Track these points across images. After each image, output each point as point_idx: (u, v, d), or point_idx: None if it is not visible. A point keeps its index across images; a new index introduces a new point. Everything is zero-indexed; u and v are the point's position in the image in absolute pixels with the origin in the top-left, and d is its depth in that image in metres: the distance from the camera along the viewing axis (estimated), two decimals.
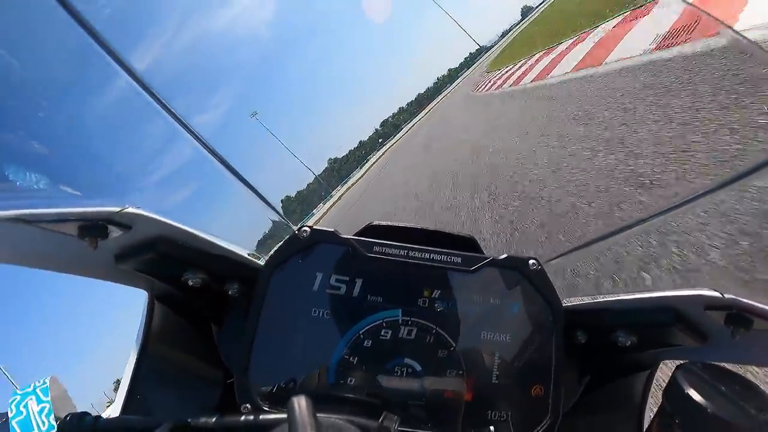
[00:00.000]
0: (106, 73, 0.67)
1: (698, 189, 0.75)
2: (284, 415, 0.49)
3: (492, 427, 0.78)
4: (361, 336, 0.81)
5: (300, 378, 0.80)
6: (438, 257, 0.84)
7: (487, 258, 0.85)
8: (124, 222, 0.70)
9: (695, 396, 0.58)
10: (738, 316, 0.67)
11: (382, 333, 0.82)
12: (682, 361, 0.66)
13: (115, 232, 0.70)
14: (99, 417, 0.64)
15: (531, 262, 0.84)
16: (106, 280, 0.83)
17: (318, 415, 0.49)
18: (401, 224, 0.95)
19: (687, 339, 0.75)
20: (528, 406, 0.80)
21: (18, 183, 0.65)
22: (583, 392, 0.88)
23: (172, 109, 0.77)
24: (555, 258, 0.93)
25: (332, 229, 0.85)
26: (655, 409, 0.69)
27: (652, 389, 0.88)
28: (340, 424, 0.52)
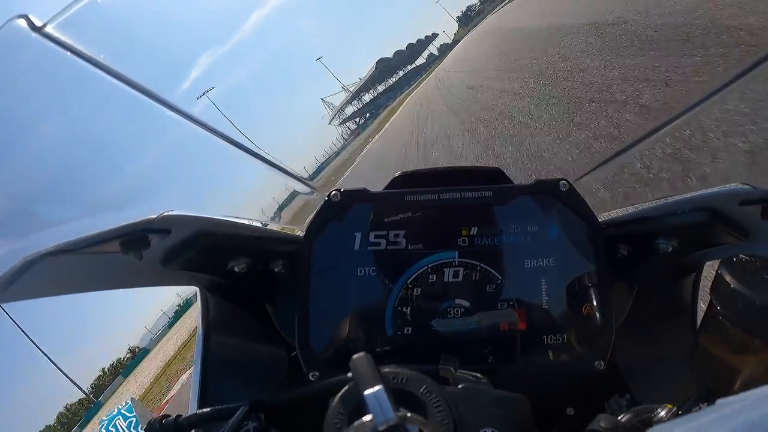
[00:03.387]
0: (110, 91, 0.67)
1: (717, 84, 0.71)
2: (350, 375, 0.51)
3: (550, 352, 0.80)
4: (409, 285, 0.83)
5: (359, 337, 0.83)
6: (469, 195, 0.84)
7: (517, 187, 0.85)
8: (163, 227, 0.72)
9: (742, 289, 0.58)
10: None
11: (429, 279, 0.83)
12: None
13: (156, 239, 0.72)
14: (179, 416, 0.68)
15: (561, 183, 0.83)
16: (157, 285, 0.86)
17: (380, 367, 0.51)
18: (428, 168, 0.95)
19: (728, 236, 0.74)
20: (582, 326, 0.81)
21: (51, 216, 0.68)
22: (634, 303, 0.88)
23: (179, 109, 0.77)
24: (584, 175, 0.91)
25: (362, 187, 0.86)
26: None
27: (702, 291, 0.87)
28: (403, 372, 0.54)
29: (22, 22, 0.59)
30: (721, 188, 0.71)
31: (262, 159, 0.91)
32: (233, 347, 0.91)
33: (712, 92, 0.73)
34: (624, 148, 0.86)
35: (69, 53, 0.58)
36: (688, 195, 0.75)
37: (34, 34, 0.59)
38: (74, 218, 0.71)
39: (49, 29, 0.54)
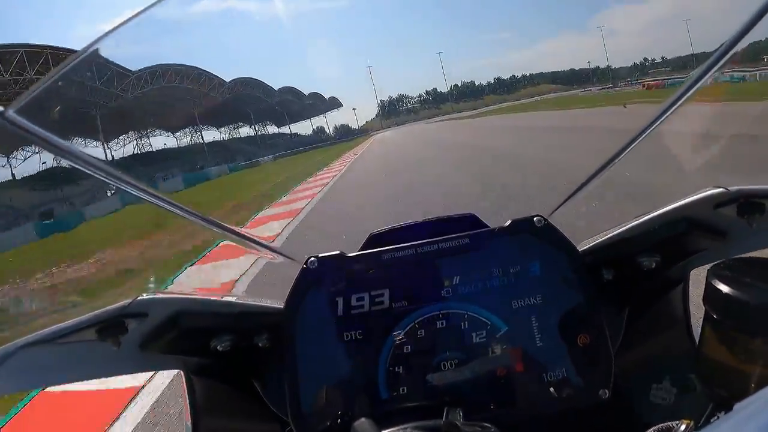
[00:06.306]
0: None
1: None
2: None
3: (552, 389, 0.78)
4: (399, 344, 0.80)
5: (354, 403, 0.79)
6: (446, 244, 0.84)
7: (492, 230, 0.85)
8: (139, 311, 0.70)
9: (734, 293, 0.58)
10: (749, 204, 0.67)
11: (418, 334, 0.81)
12: (710, 265, 0.66)
13: (133, 324, 0.70)
14: None
15: (536, 219, 0.84)
16: (138, 371, 0.82)
17: (383, 430, 0.48)
18: (401, 224, 0.94)
19: (707, 242, 0.75)
20: (580, 357, 0.79)
21: (28, 306, 0.66)
22: (627, 324, 0.88)
23: (152, 191, 0.76)
24: (558, 207, 0.92)
25: (338, 252, 0.85)
26: (701, 319, 0.69)
27: (694, 300, 0.88)
28: None
29: None
30: (694, 196, 0.72)
31: (232, 232, 0.90)
32: (223, 429, 0.86)
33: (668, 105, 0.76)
34: (591, 176, 0.88)
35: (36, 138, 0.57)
36: (662, 209, 0.76)
37: None
38: (49, 308, 0.70)
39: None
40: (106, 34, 0.62)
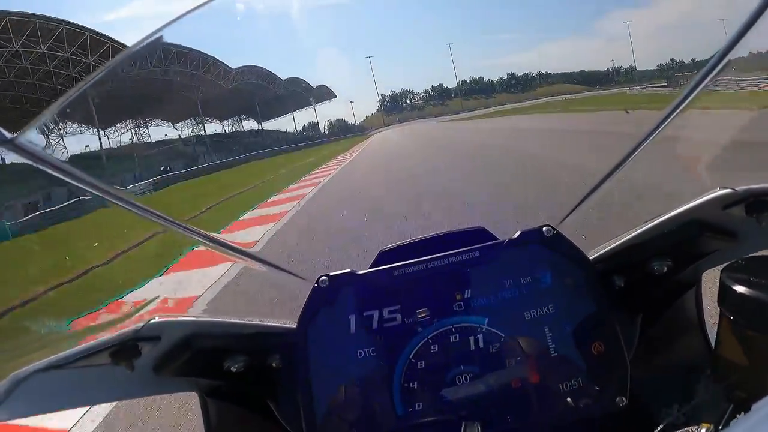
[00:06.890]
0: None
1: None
2: None
3: (569, 399, 0.77)
4: (412, 360, 0.80)
5: (370, 421, 0.79)
6: (456, 259, 0.84)
7: (502, 243, 0.85)
8: (153, 334, 0.71)
9: (749, 293, 0.58)
10: (757, 203, 0.67)
11: (432, 350, 0.80)
12: (722, 266, 0.66)
13: (146, 347, 0.71)
14: None
15: (545, 229, 0.84)
16: (152, 394, 0.83)
17: None
18: (411, 240, 0.94)
19: (718, 243, 0.75)
20: (595, 365, 0.78)
21: (39, 332, 0.67)
22: (641, 330, 0.87)
23: (159, 213, 0.77)
24: (567, 216, 0.92)
25: (348, 270, 0.85)
26: (715, 321, 0.69)
27: (707, 302, 0.87)
28: None
29: None
30: (702, 197, 0.72)
31: (241, 253, 0.91)
32: None
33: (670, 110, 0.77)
34: (597, 184, 0.88)
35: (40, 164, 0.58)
36: (671, 213, 0.76)
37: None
38: (63, 332, 0.71)
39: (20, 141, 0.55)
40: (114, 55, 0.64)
